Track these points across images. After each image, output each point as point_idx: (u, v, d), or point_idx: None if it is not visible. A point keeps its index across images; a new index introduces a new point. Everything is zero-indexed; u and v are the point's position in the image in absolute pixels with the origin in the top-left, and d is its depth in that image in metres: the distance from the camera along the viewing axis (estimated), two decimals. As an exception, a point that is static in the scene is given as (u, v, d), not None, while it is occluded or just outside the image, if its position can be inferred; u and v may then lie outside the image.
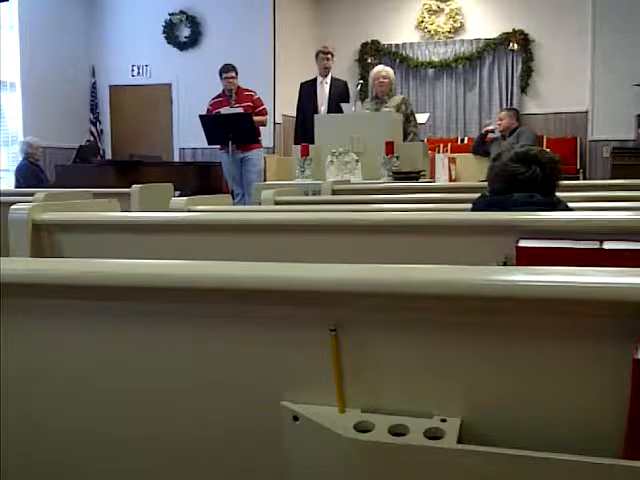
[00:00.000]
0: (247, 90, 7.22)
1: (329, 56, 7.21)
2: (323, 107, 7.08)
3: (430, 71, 11.26)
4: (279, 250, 2.28)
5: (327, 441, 1.09)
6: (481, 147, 7.26)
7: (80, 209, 2.61)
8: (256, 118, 6.96)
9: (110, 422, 1.28)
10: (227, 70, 7.09)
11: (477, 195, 2.44)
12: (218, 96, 7.21)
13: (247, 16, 9.93)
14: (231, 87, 7.08)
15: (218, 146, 7.13)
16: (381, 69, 6.40)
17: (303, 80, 7.44)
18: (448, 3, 11.06)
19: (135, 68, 10.59)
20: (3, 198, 3.46)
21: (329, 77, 7.21)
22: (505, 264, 1.91)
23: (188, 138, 10.03)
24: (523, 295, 1.01)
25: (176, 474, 1.28)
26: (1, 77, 9.03)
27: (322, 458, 1.11)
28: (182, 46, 10.34)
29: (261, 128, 7.14)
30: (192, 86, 9.90)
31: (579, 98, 10.19)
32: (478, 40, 10.99)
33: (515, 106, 10.55)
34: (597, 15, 9.75)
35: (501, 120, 6.94)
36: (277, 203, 3.34)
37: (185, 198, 2.85)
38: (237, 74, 7.12)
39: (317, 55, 7.27)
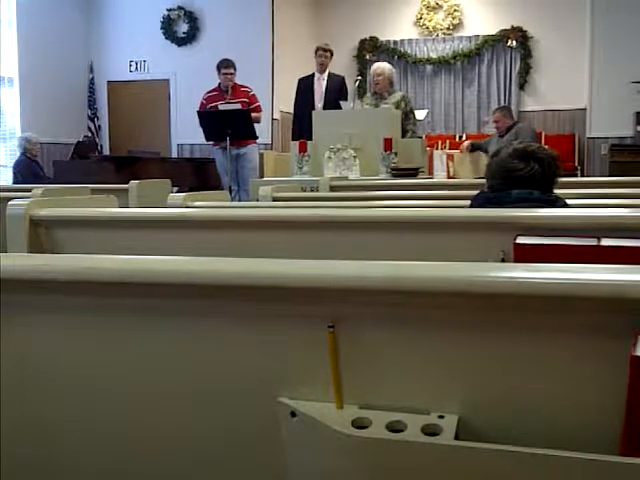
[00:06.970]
0: (243, 86, 7.21)
1: (328, 54, 7.22)
2: (320, 103, 7.08)
3: (428, 68, 11.25)
4: (277, 247, 2.28)
5: (325, 437, 1.09)
6: (475, 151, 7.33)
7: (78, 205, 2.60)
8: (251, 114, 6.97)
9: (109, 420, 1.28)
10: (227, 66, 7.07)
11: (475, 192, 2.44)
12: (213, 90, 7.19)
13: (245, 12, 9.91)
14: (228, 83, 7.07)
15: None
16: (376, 67, 6.39)
17: (301, 76, 7.44)
18: (447, 0, 11.06)
19: (133, 64, 10.57)
20: (1, 194, 3.45)
21: (326, 73, 7.21)
22: (503, 261, 1.91)
23: (186, 134, 10.02)
24: (521, 292, 1.01)
25: (176, 472, 1.28)
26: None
27: (320, 454, 1.11)
28: (180, 42, 10.32)
29: (260, 124, 7.13)
30: (190, 82, 9.88)
31: (577, 95, 10.19)
32: (477, 37, 10.99)
33: (513, 103, 10.58)
34: (595, 12, 9.74)
35: (497, 122, 6.95)
36: (275, 199, 3.34)
37: (183, 194, 2.84)
38: (235, 70, 7.12)
39: (316, 52, 7.28)
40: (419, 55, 11.22)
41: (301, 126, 6.80)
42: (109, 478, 1.32)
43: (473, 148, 7.31)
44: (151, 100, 10.53)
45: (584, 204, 2.37)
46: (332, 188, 4.17)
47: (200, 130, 6.83)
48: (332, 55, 7.31)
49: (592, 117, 10.02)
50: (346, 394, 1.13)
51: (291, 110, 7.66)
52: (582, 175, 9.80)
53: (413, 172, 5.29)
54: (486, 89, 11.03)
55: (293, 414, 1.13)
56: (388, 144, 5.37)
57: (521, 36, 10.66)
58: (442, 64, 11.14)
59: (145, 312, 1.23)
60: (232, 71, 7.07)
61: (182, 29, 10.32)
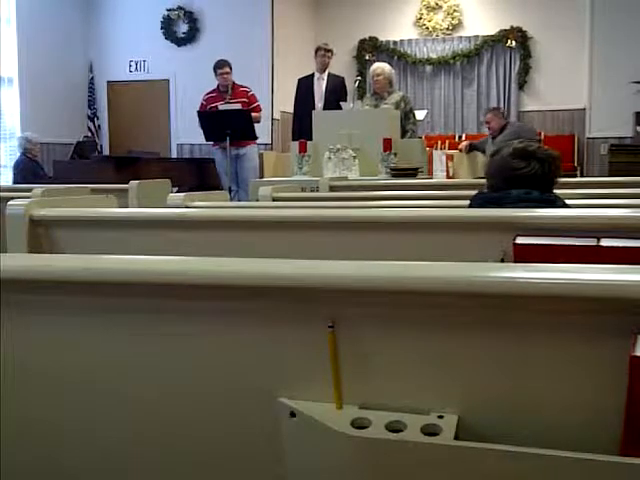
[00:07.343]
0: (242, 86, 7.20)
1: (329, 54, 7.22)
2: (320, 103, 7.08)
3: (428, 68, 11.25)
4: (277, 247, 2.28)
5: (324, 437, 1.09)
6: (473, 151, 7.34)
7: (77, 205, 2.60)
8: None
9: (109, 420, 1.28)
10: (221, 66, 7.06)
11: (474, 192, 2.43)
12: (212, 91, 7.19)
13: (245, 12, 9.91)
14: (226, 83, 7.05)
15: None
16: (376, 67, 6.39)
17: (301, 76, 7.44)
18: (446, 0, 11.05)
19: (133, 64, 10.57)
20: (1, 194, 3.45)
21: (326, 73, 7.21)
22: (502, 261, 1.91)
23: (186, 134, 10.02)
24: (520, 292, 1.01)
25: (175, 472, 1.28)
26: (-1, 72, 9.02)
27: (320, 454, 1.11)
28: (180, 42, 10.32)
29: (260, 124, 7.13)
30: (190, 82, 9.88)
31: (577, 95, 10.19)
32: (476, 37, 10.98)
33: (513, 103, 10.60)
34: (595, 12, 9.75)
35: (489, 123, 6.96)
36: (275, 199, 3.34)
37: (183, 194, 2.84)
38: (231, 69, 7.10)
39: (317, 51, 7.27)
40: (419, 55, 11.21)
41: (301, 126, 6.79)
42: (109, 478, 1.32)
43: (471, 148, 7.33)
44: (151, 100, 10.53)
45: (583, 204, 2.37)
46: (332, 188, 4.17)
47: (200, 130, 6.82)
48: (332, 55, 7.32)
49: (592, 117, 10.04)
50: (346, 394, 1.13)
51: (291, 110, 7.66)
52: (581, 175, 9.80)
53: (412, 172, 5.29)
54: (485, 89, 11.03)
55: (293, 414, 1.13)
56: (387, 144, 5.37)
57: (520, 36, 10.65)
58: (442, 64, 11.14)
59: (145, 312, 1.23)
60: (228, 70, 7.06)
61: (182, 29, 10.32)
